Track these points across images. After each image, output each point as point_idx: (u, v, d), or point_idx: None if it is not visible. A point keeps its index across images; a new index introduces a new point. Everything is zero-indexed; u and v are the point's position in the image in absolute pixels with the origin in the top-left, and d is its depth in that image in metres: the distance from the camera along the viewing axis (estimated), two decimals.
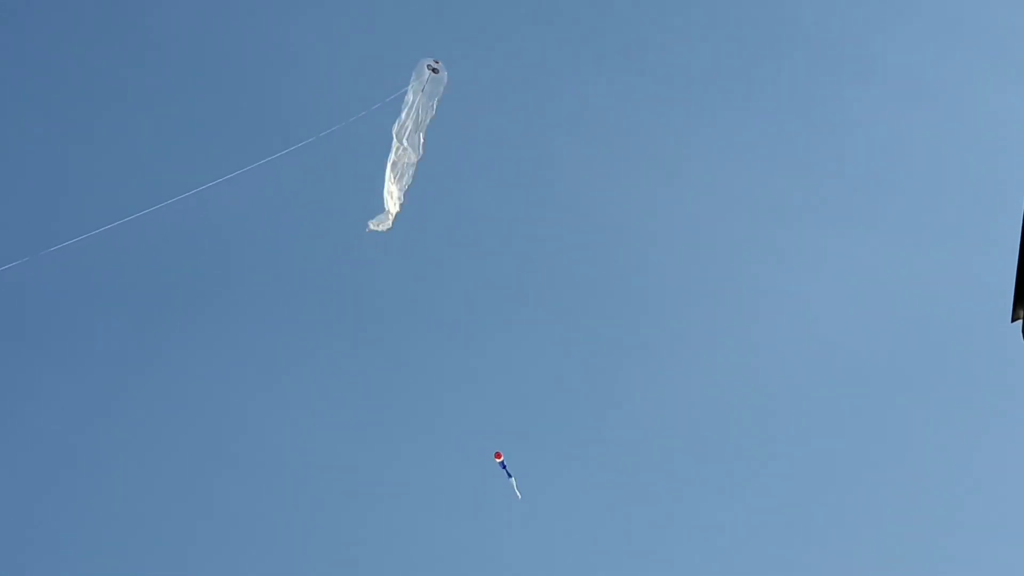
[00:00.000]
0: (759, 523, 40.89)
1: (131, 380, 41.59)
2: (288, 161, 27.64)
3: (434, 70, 26.62)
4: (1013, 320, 12.12)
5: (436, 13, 42.38)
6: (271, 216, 42.18)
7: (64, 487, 40.59)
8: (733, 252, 42.71)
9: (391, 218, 27.04)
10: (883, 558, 40.35)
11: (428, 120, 26.63)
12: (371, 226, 27.00)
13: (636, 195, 41.92)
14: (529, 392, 42.15)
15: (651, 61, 42.83)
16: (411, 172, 26.72)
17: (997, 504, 40.85)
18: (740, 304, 42.44)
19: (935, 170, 42.39)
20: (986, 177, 41.11)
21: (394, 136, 26.73)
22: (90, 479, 40.81)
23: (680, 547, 40.60)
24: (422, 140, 26.68)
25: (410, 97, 26.56)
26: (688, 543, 40.65)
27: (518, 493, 30.08)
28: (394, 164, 26.76)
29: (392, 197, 26.80)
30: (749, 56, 43.03)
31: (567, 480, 40.88)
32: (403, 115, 26.56)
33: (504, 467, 29.19)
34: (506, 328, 42.87)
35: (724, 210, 41.66)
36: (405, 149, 26.63)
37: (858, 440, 41.90)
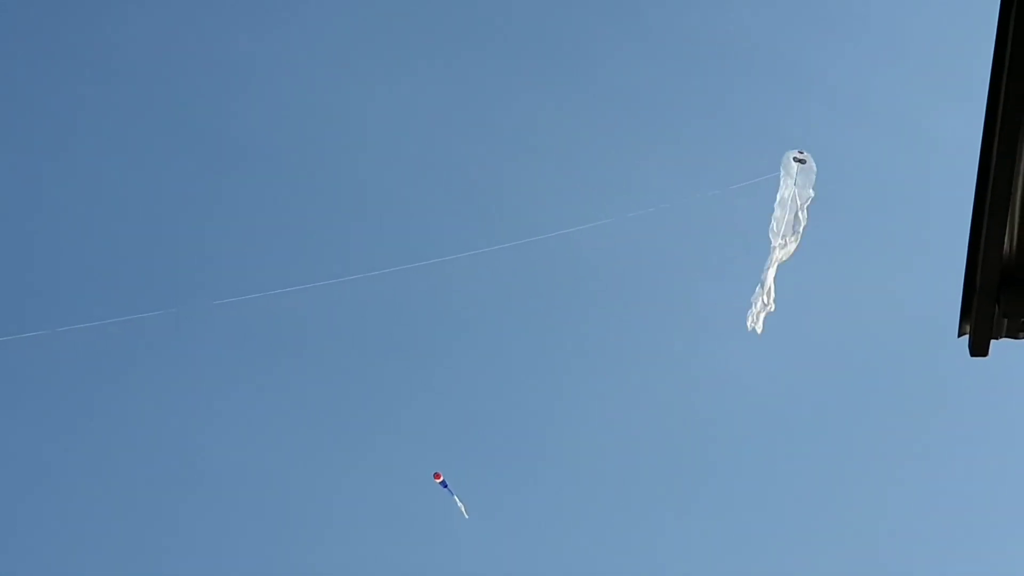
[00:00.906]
0: (706, 543, 40.82)
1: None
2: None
3: (801, 161, 25.87)
4: (960, 335, 11.65)
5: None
6: None
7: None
8: (672, 271, 42.92)
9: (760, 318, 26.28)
10: None
11: (807, 203, 25.89)
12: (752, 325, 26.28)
13: (578, 210, 41.93)
14: (475, 411, 42.17)
15: (586, 79, 42.87)
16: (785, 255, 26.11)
17: (947, 527, 40.95)
18: (683, 322, 42.56)
19: (880, 188, 42.45)
20: (933, 195, 41.19)
21: (772, 237, 26.00)
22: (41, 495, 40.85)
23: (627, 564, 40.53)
24: (804, 223, 25.98)
25: (784, 193, 25.81)
26: (634, 559, 40.60)
27: (465, 513, 29.70)
28: (777, 266, 26.11)
29: (766, 300, 26.17)
30: (685, 75, 43.07)
31: (513, 498, 40.88)
32: (777, 211, 25.87)
33: (446, 486, 28.74)
34: (453, 344, 42.82)
35: (662, 228, 41.62)
36: (785, 244, 25.90)
37: (802, 461, 41.93)
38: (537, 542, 40.62)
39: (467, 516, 30.08)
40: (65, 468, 41.42)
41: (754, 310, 26.15)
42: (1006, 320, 11.78)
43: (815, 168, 25.98)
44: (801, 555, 41.22)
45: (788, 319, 42.16)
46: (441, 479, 28.43)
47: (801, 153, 25.97)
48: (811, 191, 25.94)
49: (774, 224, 25.96)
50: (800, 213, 25.93)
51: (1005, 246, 11.50)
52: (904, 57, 42.47)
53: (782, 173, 26.01)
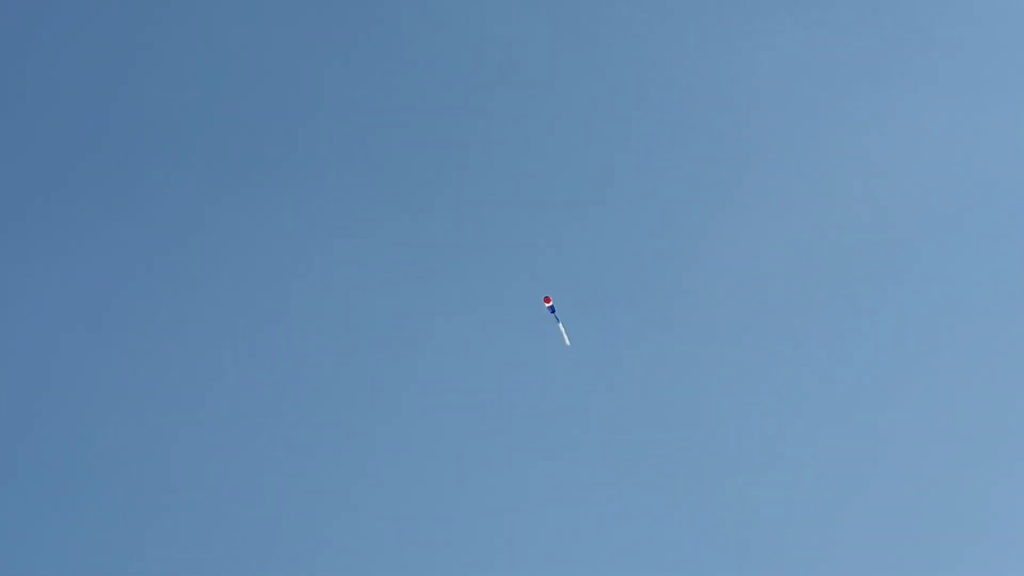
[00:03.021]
0: (814, 388, 40.68)
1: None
2: None
3: None
4: None
5: None
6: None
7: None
8: (803, 114, 42.28)
9: None
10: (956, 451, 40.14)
11: None
12: None
13: (703, 58, 41.36)
14: (591, 254, 41.92)
15: None
16: None
17: None
18: (809, 165, 42.15)
19: (1015, 29, 41.56)
20: None
21: None
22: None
23: (725, 408, 40.48)
24: None
25: None
26: (738, 405, 40.57)
27: (567, 339, 29.61)
28: None
29: None
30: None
31: (623, 338, 40.62)
32: None
33: (553, 311, 28.57)
34: (574, 191, 42.63)
35: (791, 73, 41.12)
36: None
37: (927, 306, 41.49)
38: (638, 376, 40.62)
39: (568, 343, 30.01)
40: None
41: None
42: None
43: None
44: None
45: (908, 162, 41.74)
46: (550, 303, 28.28)
47: None
48: None
49: None
50: None
51: None
52: None
53: None
